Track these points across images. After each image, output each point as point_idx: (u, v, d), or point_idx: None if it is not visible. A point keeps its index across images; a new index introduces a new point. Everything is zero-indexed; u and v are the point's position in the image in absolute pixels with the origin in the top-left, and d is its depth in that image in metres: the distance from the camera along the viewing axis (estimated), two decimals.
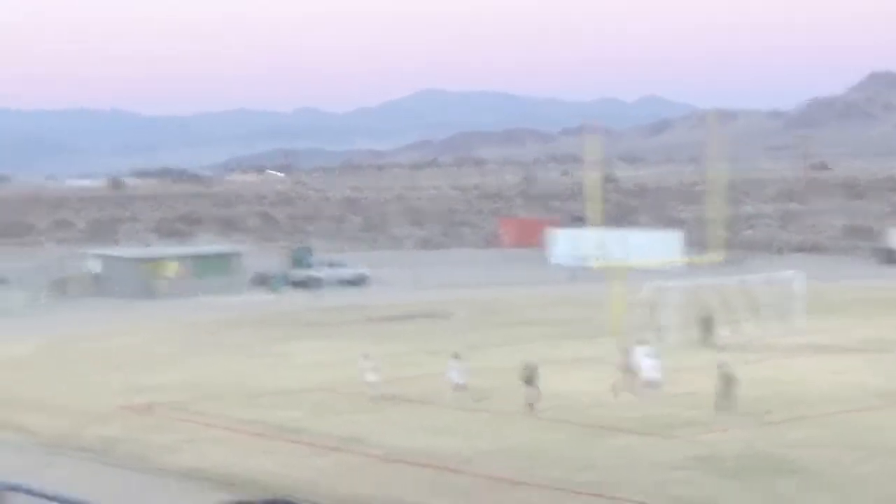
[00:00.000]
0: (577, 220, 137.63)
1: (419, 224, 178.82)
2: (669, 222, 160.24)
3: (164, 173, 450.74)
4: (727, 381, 45.71)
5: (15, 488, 12.31)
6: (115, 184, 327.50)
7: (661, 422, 44.85)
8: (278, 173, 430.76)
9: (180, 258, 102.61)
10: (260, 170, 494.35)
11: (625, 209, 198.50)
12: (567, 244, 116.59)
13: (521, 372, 48.33)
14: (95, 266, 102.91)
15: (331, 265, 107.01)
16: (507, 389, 50.76)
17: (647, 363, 49.45)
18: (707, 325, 63.19)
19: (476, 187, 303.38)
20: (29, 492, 12.01)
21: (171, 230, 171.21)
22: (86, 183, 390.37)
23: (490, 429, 44.82)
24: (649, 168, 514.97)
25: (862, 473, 36.96)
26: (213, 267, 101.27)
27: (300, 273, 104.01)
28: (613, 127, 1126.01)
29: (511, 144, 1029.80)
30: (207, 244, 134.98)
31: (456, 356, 51.62)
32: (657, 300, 66.41)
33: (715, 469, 37.85)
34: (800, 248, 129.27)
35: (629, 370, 49.74)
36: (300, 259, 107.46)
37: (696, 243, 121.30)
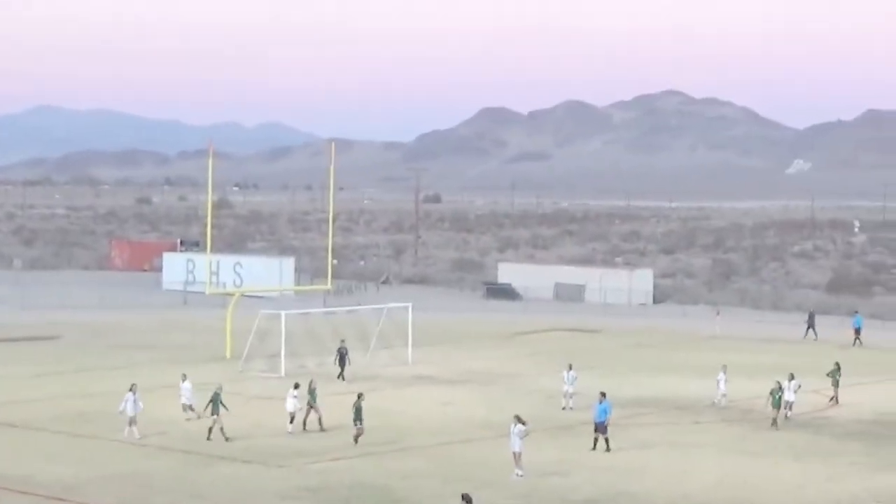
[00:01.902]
0: (192, 245, 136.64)
1: (29, 244, 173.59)
2: (283, 249, 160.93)
3: None
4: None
5: None
6: None
7: (269, 451, 44.99)
8: None
9: None
10: None
11: (239, 235, 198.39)
12: (180, 268, 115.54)
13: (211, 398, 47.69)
14: None
15: None
16: (114, 415, 49.99)
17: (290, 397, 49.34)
18: (342, 356, 63.17)
19: (89, 208, 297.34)
20: None
21: None
22: None
23: (98, 455, 44.00)
24: (266, 194, 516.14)
25: None
26: None
27: None
28: (233, 152, 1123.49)
29: (127, 166, 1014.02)
30: None
31: (184, 377, 51.21)
32: (269, 328, 66.64)
33: (324, 499, 38.23)
34: (410, 280, 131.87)
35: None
36: None
37: (307, 271, 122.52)
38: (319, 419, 48.73)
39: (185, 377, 51.57)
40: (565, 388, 55.18)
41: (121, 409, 47.21)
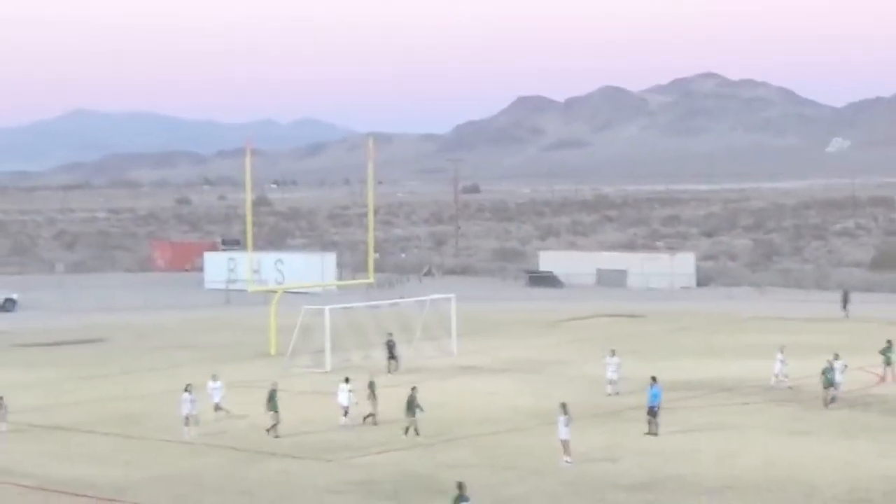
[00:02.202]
0: (232, 243, 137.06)
1: (71, 247, 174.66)
2: (323, 245, 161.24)
3: None
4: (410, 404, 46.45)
5: None
6: None
7: (317, 446, 45.10)
8: None
9: None
10: None
11: (279, 232, 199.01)
12: (222, 267, 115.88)
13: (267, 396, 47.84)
14: None
15: None
16: (161, 415, 50.24)
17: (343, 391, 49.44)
18: (391, 349, 63.33)
19: (129, 210, 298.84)
20: None
21: None
22: None
23: (147, 456, 44.20)
24: (304, 191, 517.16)
25: (511, 494, 37.97)
26: None
27: None
28: (269, 149, 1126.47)
29: (165, 166, 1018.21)
30: None
31: (214, 377, 51.23)
32: (313, 323, 66.77)
33: (370, 492, 38.29)
34: (451, 271, 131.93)
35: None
36: None
37: (349, 265, 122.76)
38: (374, 414, 48.73)
39: (215, 377, 51.53)
40: (609, 373, 55.04)
41: (184, 412, 47.03)
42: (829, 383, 50.95)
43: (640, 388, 54.75)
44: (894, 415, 49.47)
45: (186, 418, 46.91)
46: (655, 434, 45.42)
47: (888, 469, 39.92)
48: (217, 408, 50.50)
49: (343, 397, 49.03)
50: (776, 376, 56.14)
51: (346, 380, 49.82)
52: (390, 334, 64.47)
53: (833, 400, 50.94)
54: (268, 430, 46.59)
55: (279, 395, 47.41)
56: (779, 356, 56.39)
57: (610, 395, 54.38)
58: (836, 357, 52.75)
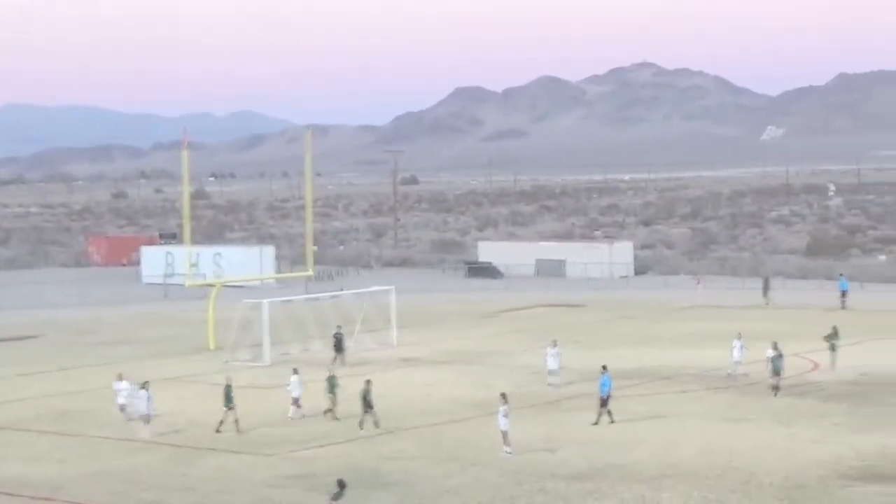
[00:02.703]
0: (170, 237, 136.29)
1: (4, 244, 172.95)
2: (262, 238, 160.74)
3: None
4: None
5: None
6: None
7: (258, 440, 44.94)
8: None
9: None
10: None
11: (217, 225, 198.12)
12: (159, 262, 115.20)
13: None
14: None
15: None
16: (101, 412, 49.91)
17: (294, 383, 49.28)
18: (339, 341, 62.96)
19: (64, 205, 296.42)
20: None
21: None
22: None
23: (84, 453, 43.88)
24: (242, 183, 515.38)
25: (452, 485, 38.00)
26: None
27: None
28: (207, 142, 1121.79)
29: (102, 161, 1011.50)
30: None
31: (119, 377, 50.25)
32: (252, 317, 66.53)
33: (312, 485, 38.19)
34: (391, 263, 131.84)
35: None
36: None
37: (288, 258, 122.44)
38: (333, 409, 48.35)
39: (120, 377, 50.52)
40: (550, 364, 55.08)
41: (140, 410, 46.24)
42: (777, 372, 51.17)
43: (580, 377, 55.10)
44: (830, 401, 49.90)
45: (144, 417, 46.30)
46: (612, 421, 45.54)
47: (825, 455, 40.26)
48: (122, 409, 49.48)
49: (294, 388, 48.91)
50: (734, 364, 56.21)
51: (295, 371, 49.73)
52: (339, 327, 64.19)
53: (777, 388, 51.11)
54: (218, 427, 46.23)
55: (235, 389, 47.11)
56: (737, 343, 56.40)
57: (551, 385, 54.47)
58: (775, 345, 52.95)
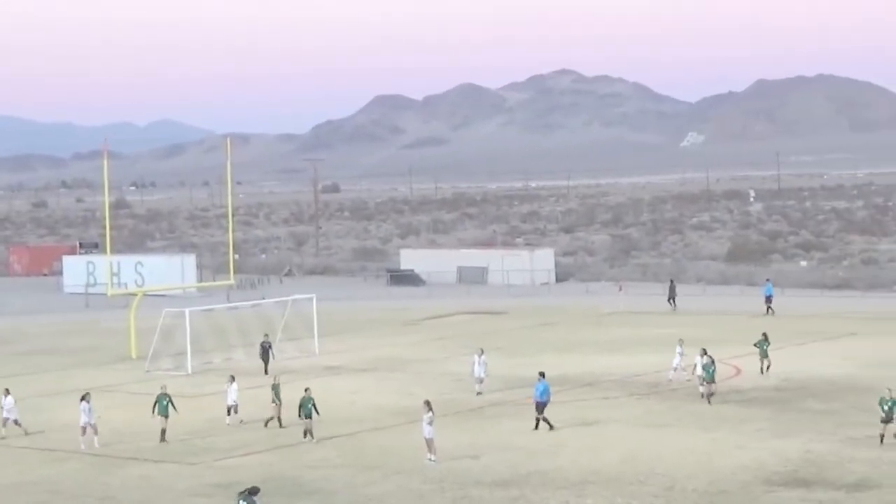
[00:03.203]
0: (91, 247, 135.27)
1: None
2: (183, 247, 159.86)
3: None
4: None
5: None
6: None
7: (180, 449, 44.71)
8: None
9: None
10: None
11: (139, 234, 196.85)
12: (81, 271, 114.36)
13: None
14: None
15: None
16: (24, 422, 49.39)
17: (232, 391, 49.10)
18: (266, 350, 62.43)
19: None
20: None
21: None
22: None
23: (5, 462, 43.45)
24: (163, 192, 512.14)
25: (375, 493, 37.98)
26: None
27: None
28: (127, 151, 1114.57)
29: (22, 170, 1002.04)
30: None
31: (6, 392, 49.14)
32: (174, 326, 66.19)
33: (233, 494, 37.98)
34: (312, 271, 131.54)
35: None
36: None
37: (209, 267, 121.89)
38: (279, 417, 48.06)
39: (7, 392, 49.31)
40: (477, 371, 54.85)
41: (82, 422, 45.31)
42: (711, 378, 51.00)
43: (504, 385, 55.26)
44: (753, 406, 50.33)
45: (83, 428, 45.76)
46: (551, 428, 45.55)
47: (748, 461, 40.62)
48: (16, 423, 48.38)
49: (230, 396, 48.75)
50: (675, 370, 56.07)
51: (232, 378, 49.66)
52: (266, 335, 63.88)
53: (711, 394, 51.01)
54: (162, 437, 45.96)
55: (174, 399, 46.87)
56: (678, 349, 56.28)
57: (480, 393, 54.21)
58: (705, 351, 52.80)
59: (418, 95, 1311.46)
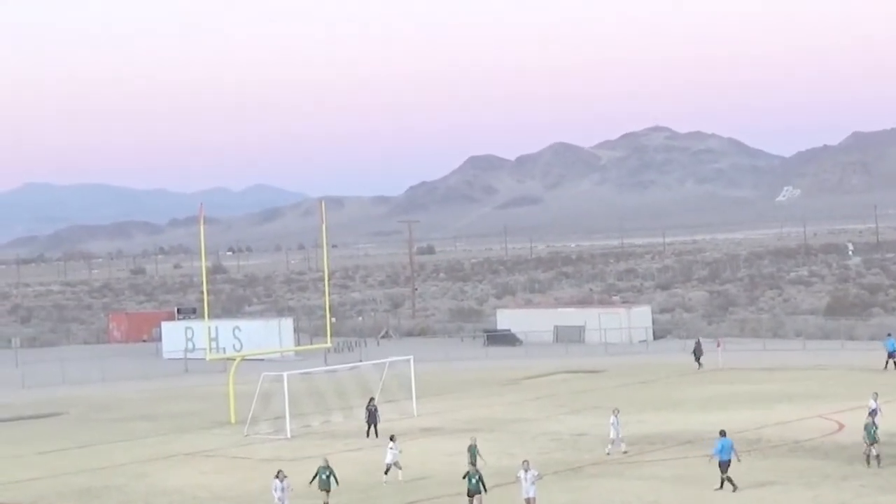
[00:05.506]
0: (189, 312, 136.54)
1: (26, 322, 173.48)
2: (280, 310, 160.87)
3: None
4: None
5: None
6: None
7: None
8: None
9: None
10: None
11: (236, 299, 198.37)
12: (179, 336, 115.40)
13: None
14: None
15: None
16: (120, 489, 49.78)
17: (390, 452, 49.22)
18: (373, 413, 62.26)
19: (84, 282, 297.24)
20: None
21: None
22: None
23: None
24: (259, 257, 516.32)
25: None
26: None
27: None
28: (222, 216, 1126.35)
29: (120, 237, 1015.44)
30: None
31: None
32: (272, 389, 66.50)
33: None
34: (409, 333, 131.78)
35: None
36: None
37: (306, 330, 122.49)
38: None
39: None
40: (612, 433, 53.67)
41: (276, 497, 42.86)
42: (874, 439, 48.55)
43: (604, 444, 54.76)
44: (854, 462, 49.44)
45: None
46: (734, 489, 44.44)
47: None
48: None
49: (389, 455, 48.88)
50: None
51: (392, 438, 49.75)
52: (372, 398, 63.75)
53: (878, 456, 48.67)
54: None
55: (336, 471, 45.06)
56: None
57: (609, 454, 53.16)
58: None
59: (511, 155, 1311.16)
